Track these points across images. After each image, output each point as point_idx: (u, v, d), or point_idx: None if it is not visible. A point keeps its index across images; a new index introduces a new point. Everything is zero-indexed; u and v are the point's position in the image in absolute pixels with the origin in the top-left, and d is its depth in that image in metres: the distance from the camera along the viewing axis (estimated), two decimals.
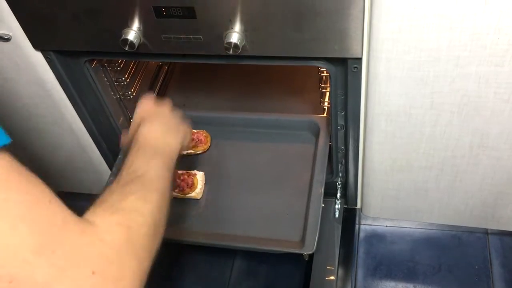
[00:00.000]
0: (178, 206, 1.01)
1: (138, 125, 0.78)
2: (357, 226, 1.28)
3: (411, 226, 1.27)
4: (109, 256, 0.47)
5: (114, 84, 1.09)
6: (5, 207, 0.41)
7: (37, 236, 0.42)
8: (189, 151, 1.10)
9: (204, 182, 1.04)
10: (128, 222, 0.52)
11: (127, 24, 0.81)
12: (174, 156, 0.76)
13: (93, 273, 0.44)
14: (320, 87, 1.11)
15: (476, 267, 1.20)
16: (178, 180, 1.00)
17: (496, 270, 1.19)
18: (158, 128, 0.78)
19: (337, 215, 1.14)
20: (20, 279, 0.41)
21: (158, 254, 0.56)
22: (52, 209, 0.45)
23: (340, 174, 1.09)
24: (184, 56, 0.88)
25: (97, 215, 0.51)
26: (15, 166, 0.44)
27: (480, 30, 0.69)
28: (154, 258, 0.55)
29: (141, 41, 0.82)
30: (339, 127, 0.97)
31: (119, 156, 1.05)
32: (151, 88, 1.27)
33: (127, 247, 0.50)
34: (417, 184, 1.01)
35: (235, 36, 0.76)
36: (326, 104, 1.12)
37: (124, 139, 0.84)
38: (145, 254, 0.53)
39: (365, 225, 1.29)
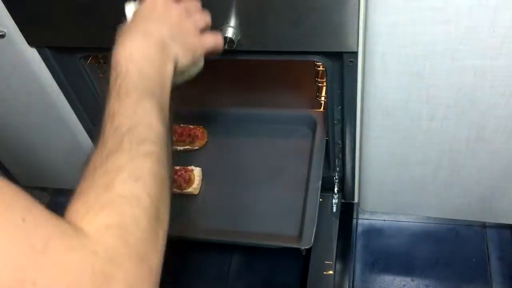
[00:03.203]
0: (175, 202, 1.00)
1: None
2: (354, 220, 1.28)
3: (409, 220, 1.27)
4: (106, 270, 0.38)
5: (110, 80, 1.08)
6: None
7: (11, 269, 0.33)
8: (186, 147, 1.09)
9: (201, 178, 1.04)
10: (120, 220, 0.42)
11: (122, 20, 0.80)
12: (167, 82, 0.58)
13: None
14: (316, 81, 1.11)
15: (474, 260, 1.20)
16: (175, 176, 1.00)
17: (494, 263, 1.19)
18: (142, 43, 0.59)
19: (334, 210, 1.14)
20: None
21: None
22: (27, 229, 0.35)
23: (337, 169, 1.09)
24: None
25: (82, 217, 0.41)
26: None
27: (476, 23, 0.69)
28: (163, 249, 0.46)
29: None
30: (335, 122, 0.97)
31: None
32: None
33: (125, 253, 0.40)
34: (415, 178, 1.01)
35: (230, 31, 0.76)
36: (322, 98, 1.12)
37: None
38: (150, 251, 0.44)
39: (363, 220, 1.29)
